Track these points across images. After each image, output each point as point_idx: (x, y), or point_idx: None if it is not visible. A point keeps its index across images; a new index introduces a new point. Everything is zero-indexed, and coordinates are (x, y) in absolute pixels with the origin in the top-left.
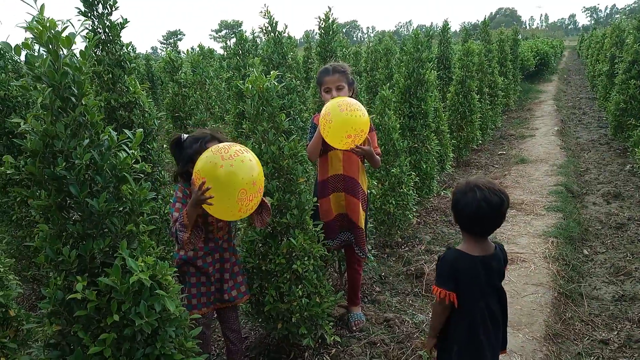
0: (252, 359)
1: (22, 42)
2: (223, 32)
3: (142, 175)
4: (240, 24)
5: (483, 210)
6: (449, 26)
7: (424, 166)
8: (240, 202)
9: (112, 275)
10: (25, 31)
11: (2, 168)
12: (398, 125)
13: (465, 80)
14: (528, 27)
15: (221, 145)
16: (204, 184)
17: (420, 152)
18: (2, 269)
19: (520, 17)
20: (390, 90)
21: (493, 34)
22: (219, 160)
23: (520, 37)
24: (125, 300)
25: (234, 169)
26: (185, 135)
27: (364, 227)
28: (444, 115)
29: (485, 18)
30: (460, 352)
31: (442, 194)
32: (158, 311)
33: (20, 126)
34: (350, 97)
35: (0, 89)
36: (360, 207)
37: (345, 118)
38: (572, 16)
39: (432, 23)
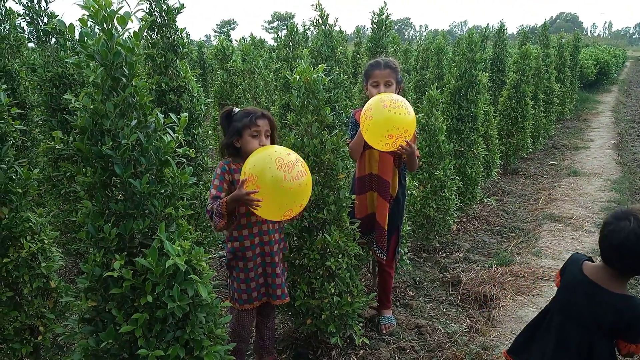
0: (279, 351)
1: (79, 19)
2: (275, 24)
3: (185, 160)
4: (293, 16)
5: (630, 243)
6: (505, 27)
7: (469, 171)
8: (284, 216)
9: (148, 257)
10: (82, 9)
11: (53, 143)
12: (445, 127)
13: (519, 85)
14: (589, 34)
15: (285, 159)
16: (254, 193)
17: (466, 156)
18: (46, 241)
19: (582, 23)
20: (439, 91)
21: (552, 39)
22: (280, 178)
23: (581, 43)
24: (159, 282)
25: (292, 192)
26: (237, 109)
27: (388, 229)
28: (494, 120)
29: (544, 22)
30: None
31: (486, 201)
32: (190, 296)
33: (72, 103)
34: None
35: (58, 66)
36: (387, 210)
37: (387, 115)
38: (639, 25)
39: (487, 24)
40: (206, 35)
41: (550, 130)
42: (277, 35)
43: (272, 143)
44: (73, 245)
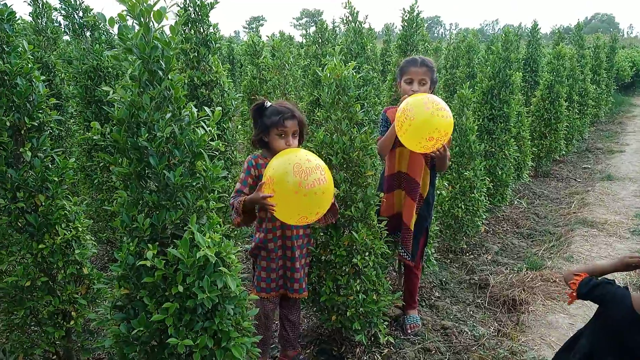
0: (303, 346)
1: (118, 14)
2: (304, 20)
3: (217, 153)
4: (321, 13)
5: None
6: (539, 27)
7: (499, 172)
8: (299, 221)
9: (180, 248)
10: (120, 3)
11: (89, 134)
12: (476, 127)
13: (553, 85)
14: (626, 35)
15: (304, 165)
16: (270, 197)
17: (497, 157)
18: (80, 229)
19: (618, 24)
20: (471, 90)
21: (588, 39)
22: (295, 184)
23: (618, 45)
24: (190, 273)
25: (306, 199)
26: (269, 103)
27: (417, 230)
28: (527, 121)
29: (579, 22)
30: None
31: (516, 203)
32: (219, 288)
33: (110, 95)
34: None
35: (93, 59)
36: (415, 210)
37: (430, 117)
38: None
39: (520, 23)
40: (235, 31)
41: (584, 132)
42: (306, 32)
43: (301, 140)
44: (105, 234)
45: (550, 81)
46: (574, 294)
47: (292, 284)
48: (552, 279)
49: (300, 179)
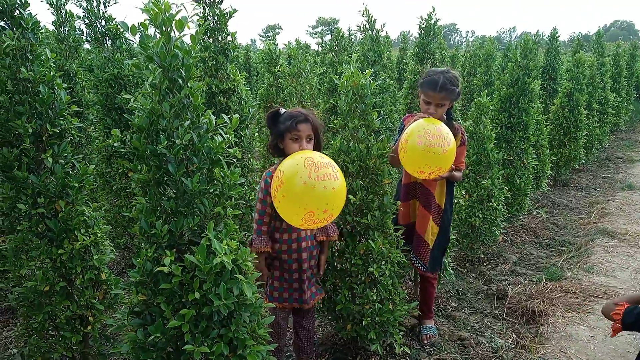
0: (317, 355)
1: (140, 23)
2: (319, 29)
3: (234, 160)
4: (337, 22)
5: None
6: (558, 34)
7: (518, 181)
8: (304, 220)
9: (197, 254)
10: (142, 12)
11: (110, 141)
12: (494, 135)
13: (573, 93)
14: None
15: (317, 160)
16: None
17: (515, 165)
18: (99, 235)
19: (638, 31)
20: (488, 98)
21: (608, 47)
22: (305, 175)
23: (638, 52)
24: (207, 279)
25: (315, 192)
26: (284, 110)
27: (430, 242)
28: (545, 129)
29: (599, 29)
30: None
31: (535, 213)
32: (235, 295)
33: (130, 102)
34: (447, 111)
35: (114, 67)
36: (431, 221)
37: (420, 153)
38: None
39: (537, 31)
40: (251, 40)
41: (604, 141)
42: (322, 40)
43: (317, 145)
44: (122, 240)
45: (569, 89)
46: (619, 325)
47: (302, 294)
48: (572, 290)
49: (309, 170)
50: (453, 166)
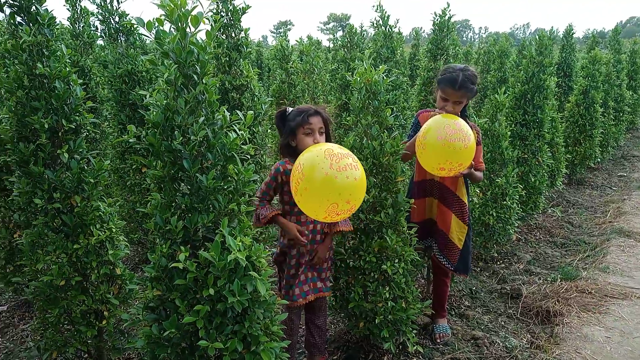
0: (330, 352)
1: (156, 18)
2: (331, 25)
3: (248, 157)
4: (348, 18)
5: None
6: (573, 31)
7: (532, 179)
8: (328, 212)
9: (211, 250)
10: (158, 8)
11: (125, 136)
12: (508, 133)
13: (588, 91)
14: None
15: (337, 151)
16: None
17: (530, 163)
18: (114, 230)
19: None
20: (505, 95)
21: (624, 44)
22: (326, 166)
23: None
24: (221, 276)
25: (337, 183)
26: (290, 109)
27: (457, 241)
28: (561, 127)
29: (616, 25)
30: None
31: (549, 211)
32: (249, 292)
33: (145, 98)
34: (465, 107)
35: (128, 63)
36: (454, 219)
37: (441, 148)
38: None
39: (552, 27)
40: (263, 36)
41: (620, 139)
42: (333, 36)
43: (327, 139)
44: (137, 235)
45: (585, 86)
46: None
47: (316, 283)
48: (587, 290)
49: (330, 162)
50: (473, 162)
